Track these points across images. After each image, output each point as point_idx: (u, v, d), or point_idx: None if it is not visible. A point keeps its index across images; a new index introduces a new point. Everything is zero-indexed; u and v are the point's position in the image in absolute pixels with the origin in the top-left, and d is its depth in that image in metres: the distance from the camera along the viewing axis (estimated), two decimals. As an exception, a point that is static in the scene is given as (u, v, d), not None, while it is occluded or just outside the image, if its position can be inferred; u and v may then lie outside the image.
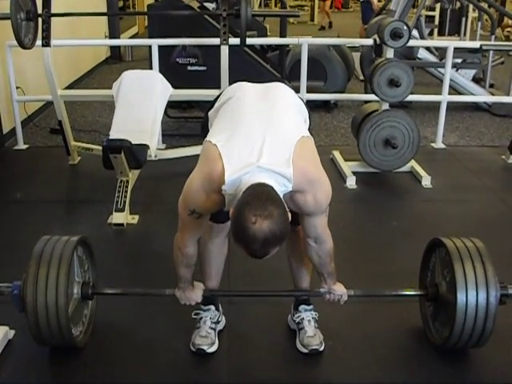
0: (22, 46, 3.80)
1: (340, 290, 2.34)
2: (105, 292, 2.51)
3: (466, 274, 2.21)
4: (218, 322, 2.52)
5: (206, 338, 2.43)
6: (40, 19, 3.95)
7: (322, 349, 2.43)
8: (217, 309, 2.53)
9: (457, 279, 2.20)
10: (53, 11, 3.97)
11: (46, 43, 4.01)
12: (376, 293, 2.64)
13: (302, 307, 2.52)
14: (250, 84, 2.23)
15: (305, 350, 2.42)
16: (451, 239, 2.36)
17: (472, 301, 2.19)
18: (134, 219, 3.63)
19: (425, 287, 2.49)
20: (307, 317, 2.49)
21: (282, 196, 1.85)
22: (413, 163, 4.49)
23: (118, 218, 3.53)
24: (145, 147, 3.59)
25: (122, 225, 3.53)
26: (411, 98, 4.61)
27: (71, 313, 2.26)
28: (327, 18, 14.96)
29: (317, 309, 2.54)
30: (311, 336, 2.43)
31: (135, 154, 3.49)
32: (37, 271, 2.19)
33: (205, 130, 2.20)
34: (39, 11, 3.93)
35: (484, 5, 7.84)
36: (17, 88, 4.98)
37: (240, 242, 1.77)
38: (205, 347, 2.41)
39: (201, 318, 2.49)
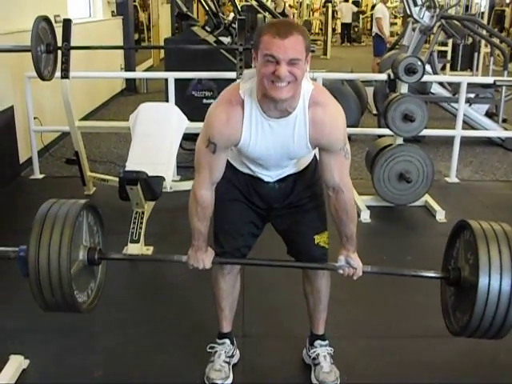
0: (42, 77, 3.87)
1: (357, 262, 2.22)
2: (112, 257, 2.36)
3: (491, 257, 2.05)
4: (232, 356, 2.51)
5: (220, 372, 2.42)
6: (59, 52, 4.03)
7: (337, 385, 2.40)
8: (231, 343, 2.52)
9: (480, 262, 2.04)
10: (72, 44, 4.05)
11: (65, 75, 4.08)
12: (394, 271, 2.48)
13: (317, 342, 2.50)
14: None
15: (320, 386, 2.40)
16: (478, 221, 2.19)
17: (495, 286, 2.02)
18: (149, 250, 3.64)
19: (447, 270, 2.30)
20: (323, 352, 2.47)
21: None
22: (427, 197, 4.49)
23: (133, 249, 3.54)
24: (161, 179, 3.61)
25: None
26: (425, 132, 4.63)
27: (74, 274, 2.12)
28: None
29: (332, 344, 2.52)
30: (327, 372, 2.40)
31: (151, 185, 3.50)
32: (41, 228, 2.09)
33: None
34: (59, 44, 4.01)
35: (496, 40, 7.90)
36: (34, 118, 5.06)
37: (262, 32, 1.84)
38: (219, 381, 2.39)
39: (215, 352, 2.48)
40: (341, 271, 2.22)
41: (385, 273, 2.44)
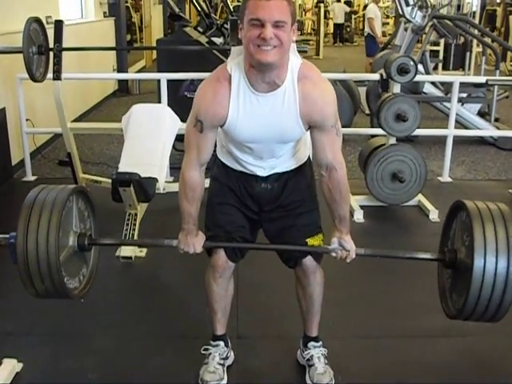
0: (34, 79, 3.85)
1: (350, 245, 2.15)
2: (102, 243, 2.31)
3: (486, 237, 1.98)
4: (226, 358, 2.50)
5: (214, 374, 2.40)
6: (51, 53, 4.01)
7: (332, 386, 2.39)
8: (226, 345, 2.51)
9: (475, 243, 1.98)
10: (63, 45, 4.03)
11: (57, 77, 4.06)
12: (388, 254, 2.40)
13: (310, 344, 2.49)
14: None
15: (315, 387, 2.39)
16: (474, 202, 2.11)
17: (490, 268, 1.96)
18: (142, 252, 3.62)
19: (443, 252, 2.24)
20: (317, 353, 2.46)
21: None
22: (420, 197, 4.49)
23: (126, 250, 3.52)
24: (154, 180, 3.60)
25: (130, 258, 3.52)
26: (418, 132, 4.63)
27: (64, 260, 2.07)
28: None
29: (326, 344, 2.52)
30: (321, 373, 2.39)
31: (144, 187, 3.49)
32: (29, 214, 2.02)
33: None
34: (51, 45, 3.99)
35: (488, 39, 7.93)
36: (26, 120, 5.04)
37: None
38: (213, 383, 2.38)
39: (209, 354, 2.47)
40: (334, 254, 2.17)
41: (379, 255, 2.37)
